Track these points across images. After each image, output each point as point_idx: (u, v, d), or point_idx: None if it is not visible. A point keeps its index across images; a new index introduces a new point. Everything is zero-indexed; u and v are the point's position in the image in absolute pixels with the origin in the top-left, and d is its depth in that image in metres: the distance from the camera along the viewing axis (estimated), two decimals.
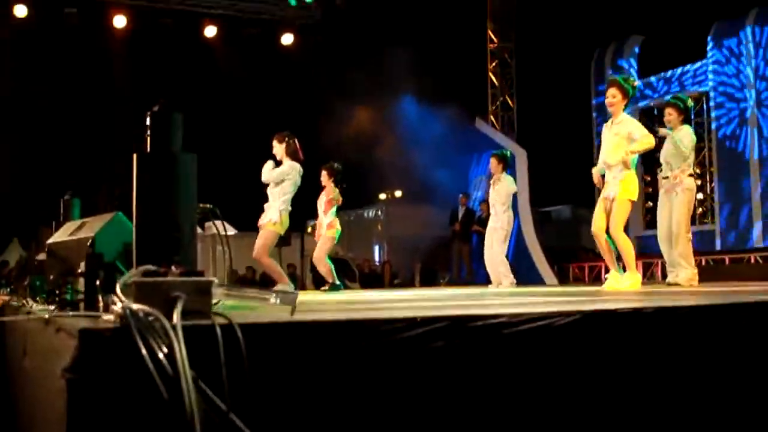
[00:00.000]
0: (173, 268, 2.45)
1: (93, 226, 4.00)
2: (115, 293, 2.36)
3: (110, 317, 2.39)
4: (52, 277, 4.59)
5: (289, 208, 9.79)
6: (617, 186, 7.89)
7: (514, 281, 11.46)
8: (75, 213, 5.65)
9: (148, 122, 2.97)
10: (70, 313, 2.87)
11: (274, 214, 9.71)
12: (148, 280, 2.29)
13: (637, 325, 2.89)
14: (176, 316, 2.11)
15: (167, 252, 2.70)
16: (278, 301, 2.49)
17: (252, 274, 17.65)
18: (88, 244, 3.71)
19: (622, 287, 7.69)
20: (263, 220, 9.75)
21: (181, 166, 2.86)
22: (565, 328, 2.70)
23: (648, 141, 7.92)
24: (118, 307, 2.17)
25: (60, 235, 4.83)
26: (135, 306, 2.16)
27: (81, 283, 3.04)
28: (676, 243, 8.73)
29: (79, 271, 2.95)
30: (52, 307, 3.49)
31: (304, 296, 9.24)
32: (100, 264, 2.91)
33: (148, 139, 2.96)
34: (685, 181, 8.70)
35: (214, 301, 2.39)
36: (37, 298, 4.61)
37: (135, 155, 2.93)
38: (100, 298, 2.65)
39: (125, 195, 3.18)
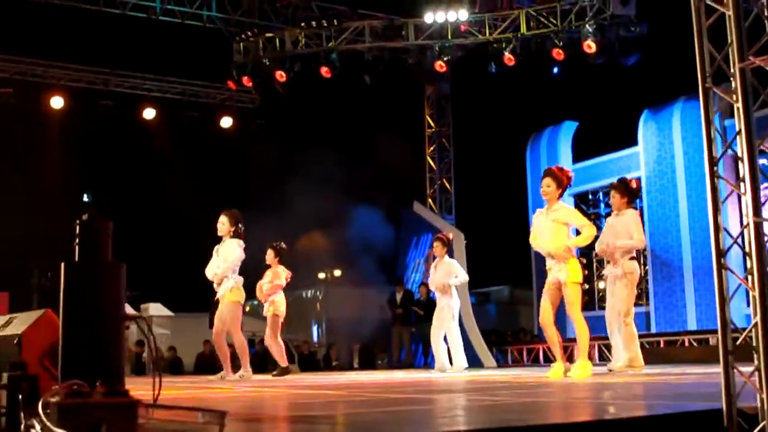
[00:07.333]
0: (98, 385, 2.39)
1: (21, 322, 3.91)
2: (37, 412, 2.29)
3: None
4: None
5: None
6: (565, 271, 7.92)
7: (447, 367, 11.35)
8: None
9: (77, 231, 2.92)
10: None
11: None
12: (71, 401, 2.24)
13: None
14: None
15: (93, 366, 2.64)
16: (205, 419, 2.44)
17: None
18: (15, 342, 3.62)
19: (576, 376, 7.57)
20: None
21: (110, 278, 2.81)
22: None
23: (591, 232, 8.02)
24: None
25: None
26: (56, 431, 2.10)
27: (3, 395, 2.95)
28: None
29: (2, 383, 2.86)
30: None
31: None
32: (24, 376, 2.83)
33: (77, 247, 2.91)
34: (626, 265, 8.65)
35: (140, 421, 2.34)
36: None
37: (63, 264, 2.87)
38: (22, 416, 2.57)
39: (54, 286, 3.11)
